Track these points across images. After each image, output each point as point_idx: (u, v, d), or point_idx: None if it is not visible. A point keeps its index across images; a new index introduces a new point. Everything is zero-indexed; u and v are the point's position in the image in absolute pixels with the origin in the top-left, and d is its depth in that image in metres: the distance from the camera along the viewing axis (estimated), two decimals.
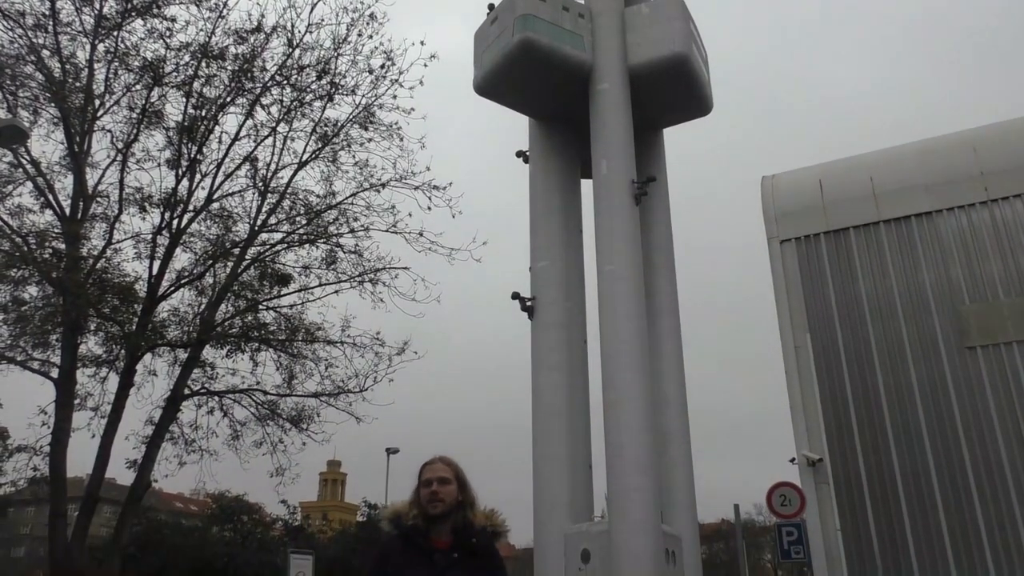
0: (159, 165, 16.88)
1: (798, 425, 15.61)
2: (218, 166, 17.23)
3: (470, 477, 3.12)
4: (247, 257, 17.33)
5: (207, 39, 16.28)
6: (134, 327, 15.74)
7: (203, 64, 16.45)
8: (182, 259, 17.54)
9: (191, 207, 17.05)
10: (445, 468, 3.05)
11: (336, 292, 17.65)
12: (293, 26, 16.72)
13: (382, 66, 16.98)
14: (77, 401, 16.13)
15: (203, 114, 16.67)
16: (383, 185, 17.23)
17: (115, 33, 16.05)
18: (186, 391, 16.90)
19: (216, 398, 17.67)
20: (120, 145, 16.56)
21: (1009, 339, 14.78)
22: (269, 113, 17.31)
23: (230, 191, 17.55)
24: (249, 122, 17.21)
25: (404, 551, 2.94)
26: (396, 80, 16.97)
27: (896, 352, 15.56)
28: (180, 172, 16.73)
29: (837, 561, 14.33)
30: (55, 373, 15.79)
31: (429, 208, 16.99)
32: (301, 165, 17.50)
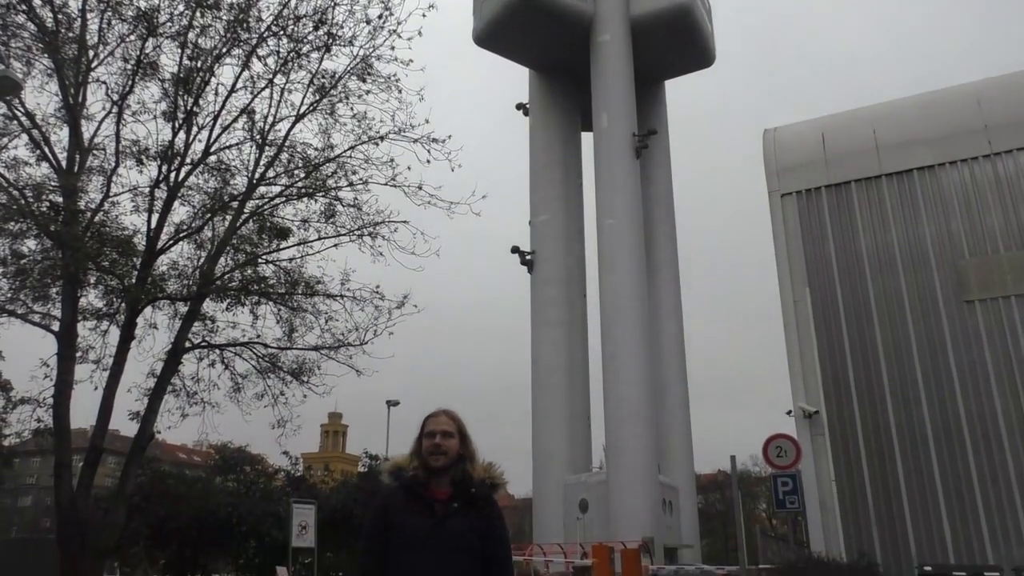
0: (155, 117, 16.72)
1: (795, 378, 15.78)
2: (215, 118, 17.06)
3: (470, 430, 3.16)
4: (245, 211, 17.26)
5: None
6: (134, 280, 15.75)
7: (198, 14, 16.18)
8: (180, 212, 17.46)
9: (188, 160, 16.93)
10: (449, 422, 3.09)
11: (335, 246, 17.62)
12: None
13: (380, 16, 16.70)
14: (79, 354, 16.22)
15: (199, 65, 16.45)
16: (381, 138, 17.07)
17: None
18: (187, 344, 16.98)
19: (217, 351, 17.77)
20: (115, 97, 16.36)
21: (1008, 293, 14.83)
22: (266, 65, 17.08)
23: (227, 144, 17.40)
24: (245, 74, 16.99)
25: (405, 501, 3.00)
26: (394, 31, 16.70)
27: (895, 306, 15.63)
28: (176, 124, 16.57)
29: (831, 510, 14.60)
30: (56, 326, 15.85)
31: (428, 161, 16.86)
32: (299, 118, 17.33)
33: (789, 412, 16.02)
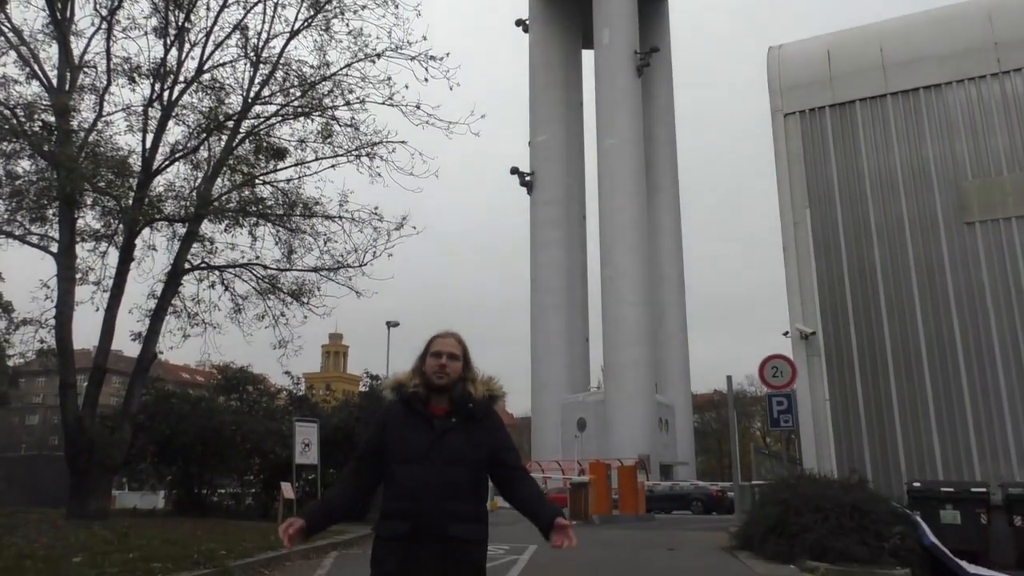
0: (146, 34, 16.34)
1: (793, 300, 15.86)
2: (207, 35, 16.68)
3: (472, 355, 3.20)
4: (241, 130, 17.04)
5: None
6: (130, 202, 15.65)
7: None
8: (175, 132, 17.25)
9: (181, 78, 16.62)
10: (456, 344, 3.13)
11: (333, 166, 17.48)
12: None
13: None
14: (79, 275, 16.26)
15: None
16: (378, 55, 16.71)
17: None
18: (186, 265, 17.00)
19: (217, 272, 17.80)
20: (104, 12, 15.95)
21: (1009, 215, 14.78)
22: None
23: (221, 61, 17.06)
24: None
25: (404, 416, 3.05)
26: None
27: (895, 228, 15.60)
28: (168, 41, 16.20)
29: (824, 429, 14.89)
30: (54, 248, 15.84)
31: (426, 80, 16.56)
32: (293, 34, 16.93)
33: (786, 333, 16.16)
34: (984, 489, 12.42)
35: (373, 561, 2.92)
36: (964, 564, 10.73)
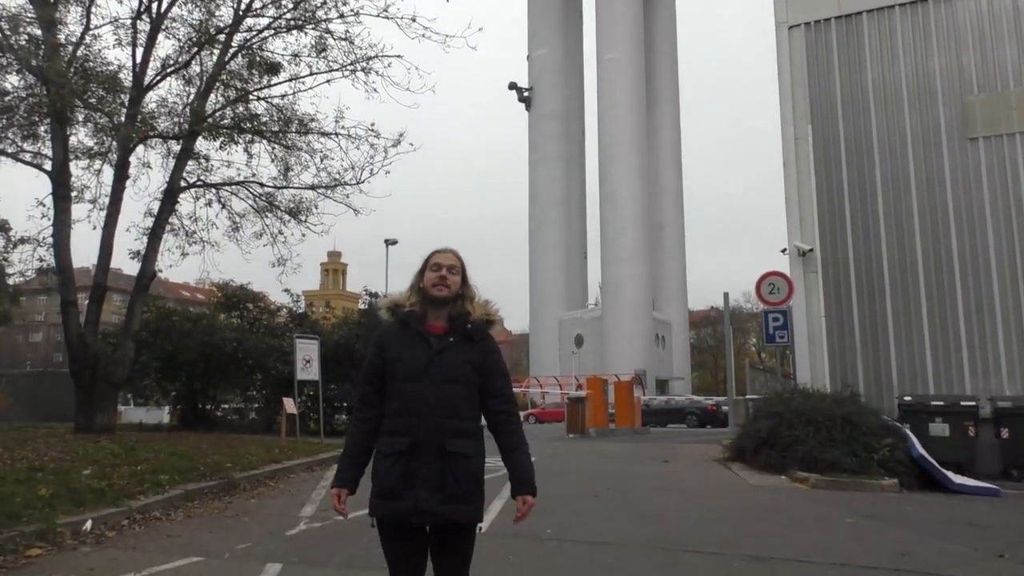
0: None
1: (792, 216, 15.81)
2: None
3: (470, 272, 3.20)
4: (233, 44, 16.63)
5: None
6: (123, 118, 15.41)
7: None
8: (166, 46, 16.88)
9: None
10: (455, 258, 3.13)
11: (328, 82, 17.13)
12: None
13: None
14: (74, 194, 16.15)
15: None
16: None
17: None
18: (182, 183, 16.86)
19: (213, 190, 17.68)
20: None
21: (1013, 130, 14.61)
22: None
23: None
24: None
25: (402, 336, 3.07)
26: None
27: (897, 143, 15.44)
28: None
29: (819, 344, 15.07)
30: (48, 166, 15.69)
31: None
32: None
33: (784, 250, 16.17)
34: (973, 403, 12.66)
35: (374, 475, 3.00)
36: (950, 474, 11.04)
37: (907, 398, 13.15)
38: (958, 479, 11.01)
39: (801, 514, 8.35)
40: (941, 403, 12.80)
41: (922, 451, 11.30)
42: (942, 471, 11.01)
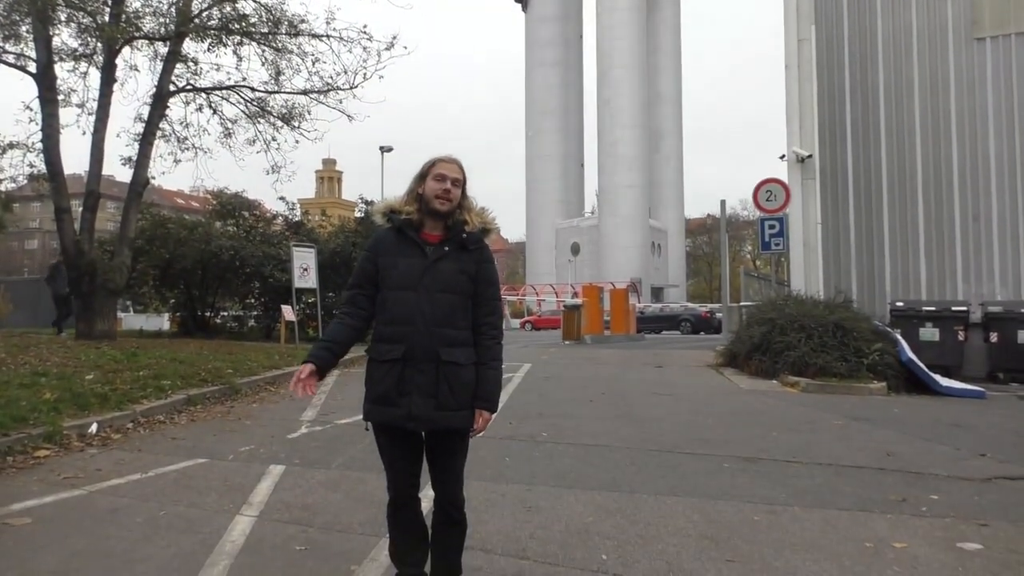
0: None
1: (791, 122, 15.58)
2: None
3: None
4: None
5: None
6: (107, 18, 14.95)
7: None
8: None
9: None
10: (459, 171, 3.08)
11: None
12: None
13: None
14: (61, 97, 15.83)
15: None
16: None
17: None
18: (171, 87, 16.50)
19: (203, 95, 17.32)
20: None
21: (1021, 29, 14.24)
22: None
23: None
24: None
25: (397, 243, 3.05)
26: None
27: (902, 44, 15.09)
28: None
29: (814, 251, 15.10)
30: (32, 68, 15.32)
31: None
32: None
33: (782, 157, 16.00)
34: (964, 308, 12.79)
35: (368, 381, 3.03)
36: (938, 378, 11.26)
37: (899, 304, 13.27)
38: (945, 382, 11.24)
39: (790, 417, 8.55)
40: (932, 308, 12.93)
41: (911, 355, 11.48)
42: (930, 374, 11.22)
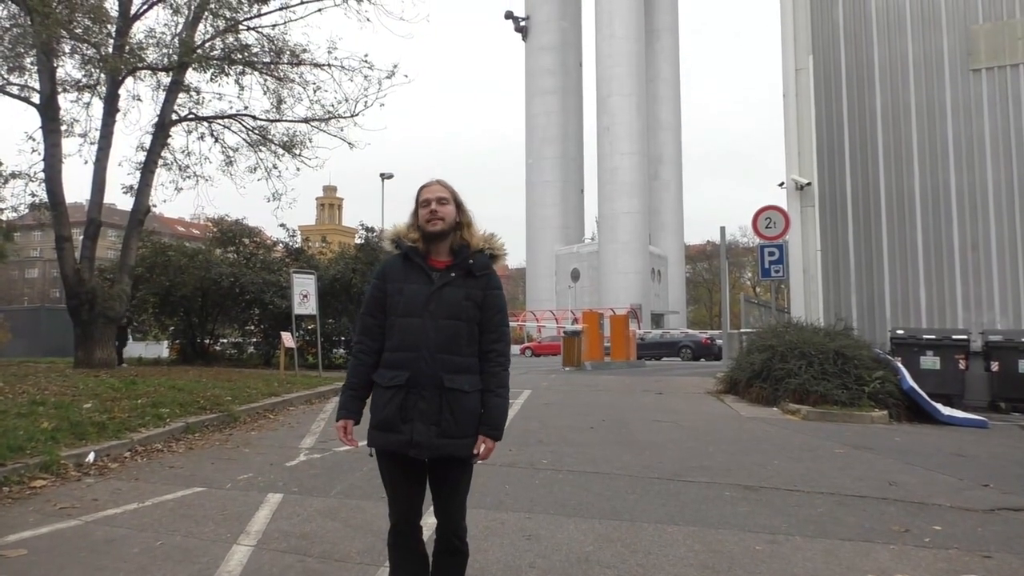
0: None
1: (790, 149, 15.66)
2: None
3: (464, 200, 3.17)
4: None
5: None
6: (111, 49, 15.11)
7: None
8: None
9: None
10: (442, 189, 3.10)
11: (319, 11, 16.79)
12: None
13: None
14: (64, 127, 15.96)
15: None
16: None
17: None
18: (174, 116, 16.65)
19: (205, 124, 17.47)
20: None
21: (1017, 61, 14.38)
22: None
23: None
24: None
25: (404, 270, 3.07)
26: None
27: (898, 73, 15.21)
28: None
29: (814, 278, 15.10)
30: (36, 99, 15.45)
31: None
32: None
33: (781, 184, 16.08)
34: (965, 336, 12.76)
35: (373, 407, 3.04)
36: (939, 406, 11.21)
37: (899, 331, 13.25)
38: (947, 411, 11.18)
39: (791, 445, 8.51)
40: (933, 337, 12.90)
41: (912, 383, 11.44)
42: (931, 403, 11.17)
